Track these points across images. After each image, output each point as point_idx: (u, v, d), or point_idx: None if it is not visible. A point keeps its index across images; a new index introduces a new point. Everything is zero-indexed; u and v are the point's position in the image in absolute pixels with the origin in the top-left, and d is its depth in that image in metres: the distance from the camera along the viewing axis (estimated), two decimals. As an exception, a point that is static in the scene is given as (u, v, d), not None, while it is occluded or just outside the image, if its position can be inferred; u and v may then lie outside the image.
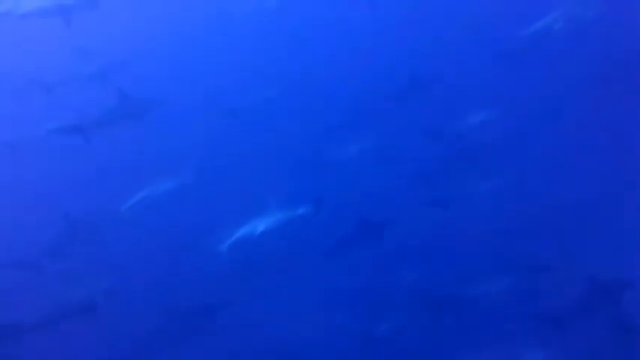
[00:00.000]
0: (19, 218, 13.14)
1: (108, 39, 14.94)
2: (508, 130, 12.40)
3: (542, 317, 9.24)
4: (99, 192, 12.69)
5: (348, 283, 11.49)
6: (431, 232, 11.80)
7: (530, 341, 9.23)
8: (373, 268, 11.81)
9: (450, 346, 9.47)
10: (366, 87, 14.56)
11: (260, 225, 9.29)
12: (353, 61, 15.51)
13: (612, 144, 12.63)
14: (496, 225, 11.59)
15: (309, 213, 9.14)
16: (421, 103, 13.22)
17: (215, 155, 13.11)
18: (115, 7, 14.07)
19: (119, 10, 14.95)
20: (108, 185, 12.69)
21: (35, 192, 13.99)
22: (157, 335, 10.85)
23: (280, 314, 11.11)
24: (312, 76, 14.34)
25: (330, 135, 13.17)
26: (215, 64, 15.76)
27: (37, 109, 13.99)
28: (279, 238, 9.47)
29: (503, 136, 12.34)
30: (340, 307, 11.21)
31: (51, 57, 14.51)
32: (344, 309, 11.13)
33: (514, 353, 9.21)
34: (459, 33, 15.00)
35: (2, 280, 11.62)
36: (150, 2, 17.03)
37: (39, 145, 13.29)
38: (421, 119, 13.16)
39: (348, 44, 16.19)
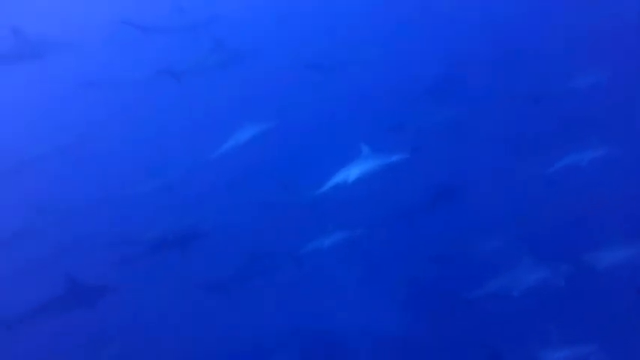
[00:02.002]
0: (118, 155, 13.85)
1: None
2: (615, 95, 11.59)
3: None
4: (190, 136, 13.13)
5: (429, 245, 11.36)
6: (525, 201, 11.35)
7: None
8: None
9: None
10: (459, 50, 14.10)
11: (353, 172, 9.17)
12: (446, 22, 15.01)
13: None
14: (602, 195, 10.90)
15: (404, 161, 8.86)
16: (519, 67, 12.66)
17: (308, 104, 13.17)
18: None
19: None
20: (199, 130, 13.09)
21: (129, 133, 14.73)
22: (241, 277, 11.20)
23: (361, 264, 11.18)
24: (408, 39, 14.05)
25: (426, 95, 12.76)
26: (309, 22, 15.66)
27: (135, 54, 14.64)
28: (372, 185, 9.33)
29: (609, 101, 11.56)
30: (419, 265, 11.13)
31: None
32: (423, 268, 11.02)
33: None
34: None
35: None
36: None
37: (136, 88, 13.93)
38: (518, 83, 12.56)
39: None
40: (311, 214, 11.11)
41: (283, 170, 11.66)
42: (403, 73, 13.81)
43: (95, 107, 14.99)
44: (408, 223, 11.35)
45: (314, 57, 13.71)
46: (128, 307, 11.82)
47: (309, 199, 9.78)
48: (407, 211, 11.29)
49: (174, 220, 11.84)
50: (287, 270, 11.15)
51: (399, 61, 13.93)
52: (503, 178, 11.60)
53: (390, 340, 10.49)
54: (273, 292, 11.67)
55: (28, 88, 15.91)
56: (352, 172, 9.17)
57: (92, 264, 12.13)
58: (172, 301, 11.98)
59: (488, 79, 12.89)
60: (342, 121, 12.50)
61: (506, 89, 12.32)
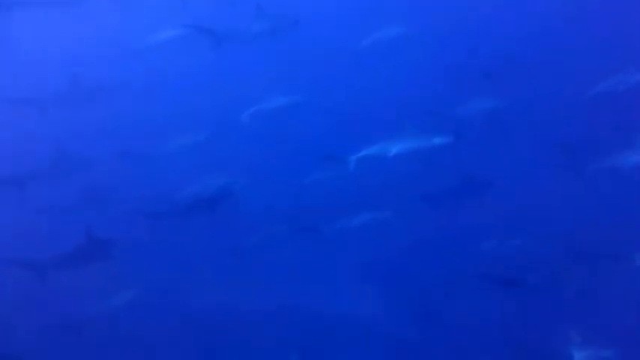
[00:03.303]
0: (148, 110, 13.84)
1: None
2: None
3: None
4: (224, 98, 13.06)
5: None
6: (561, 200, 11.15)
7: None
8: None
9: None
10: (508, 41, 13.78)
11: (394, 147, 9.05)
12: (495, 12, 14.67)
13: None
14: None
15: (445, 144, 8.73)
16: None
17: (351, 79, 13.02)
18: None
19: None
20: (232, 93, 13.02)
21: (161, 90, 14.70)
22: (268, 238, 11.18)
23: (385, 246, 11.10)
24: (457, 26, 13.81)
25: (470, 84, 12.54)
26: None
27: (176, 14, 14.46)
28: (410, 163, 9.22)
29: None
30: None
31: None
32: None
33: None
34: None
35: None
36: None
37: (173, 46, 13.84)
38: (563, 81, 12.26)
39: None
40: (343, 187, 11.02)
41: (322, 139, 11.54)
42: (448, 58, 13.56)
43: (131, 62, 14.89)
44: (436, 208, 11.23)
45: (361, 34, 13.48)
46: (147, 261, 11.88)
47: (344, 169, 9.61)
48: (436, 196, 11.14)
49: (202, 180, 11.86)
50: (308, 242, 11.11)
51: (445, 46, 13.66)
52: (539, 176, 11.39)
53: (408, 325, 10.43)
54: (291, 262, 11.60)
55: (63, 39, 15.87)
56: (393, 147, 9.07)
57: (114, 217, 12.21)
58: (192, 260, 11.92)
59: (533, 74, 12.61)
60: (386, 99, 12.34)
61: (552, 86, 12.06)
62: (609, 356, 8.01)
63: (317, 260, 11.59)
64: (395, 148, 9.04)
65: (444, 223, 11.12)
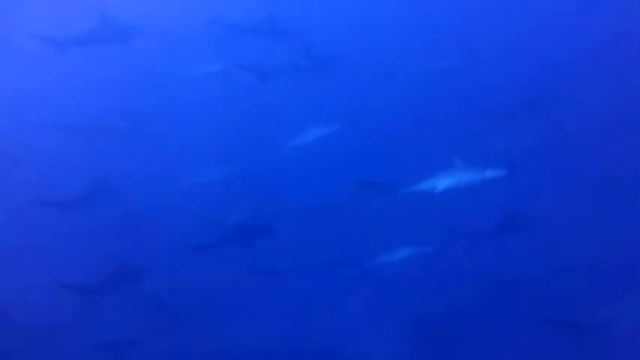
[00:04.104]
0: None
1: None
2: None
3: None
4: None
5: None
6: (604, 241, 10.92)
7: None
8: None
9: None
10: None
11: (442, 182, 8.97)
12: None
13: None
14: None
15: (498, 177, 8.61)
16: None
17: (398, 111, 13.14)
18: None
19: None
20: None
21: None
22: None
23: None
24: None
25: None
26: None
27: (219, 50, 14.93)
28: (460, 199, 9.12)
29: None
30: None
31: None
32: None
33: None
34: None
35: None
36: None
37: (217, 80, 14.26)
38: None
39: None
40: (386, 221, 10.95)
41: (368, 172, 11.53)
42: (492, 91, 13.62)
43: (174, 93, 15.32)
44: (478, 245, 11.08)
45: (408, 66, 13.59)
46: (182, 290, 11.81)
47: (388, 203, 9.59)
48: (481, 232, 10.99)
49: (240, 211, 11.91)
50: (351, 277, 11.01)
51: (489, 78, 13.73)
52: (584, 214, 11.19)
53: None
54: (335, 295, 11.46)
55: (111, 70, 16.41)
56: (442, 182, 8.97)
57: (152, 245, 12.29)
58: (226, 289, 11.86)
59: (582, 105, 12.55)
60: (431, 132, 12.38)
61: (603, 118, 11.99)
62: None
63: (353, 294, 11.43)
64: (444, 184, 8.90)
65: (488, 260, 10.88)
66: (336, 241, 11.69)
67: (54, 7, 15.97)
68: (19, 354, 8.96)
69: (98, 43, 14.85)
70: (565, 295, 10.08)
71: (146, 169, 14.86)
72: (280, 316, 11.46)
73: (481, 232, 11.00)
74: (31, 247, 12.87)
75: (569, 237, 10.91)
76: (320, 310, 11.46)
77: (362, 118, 12.47)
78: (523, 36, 14.94)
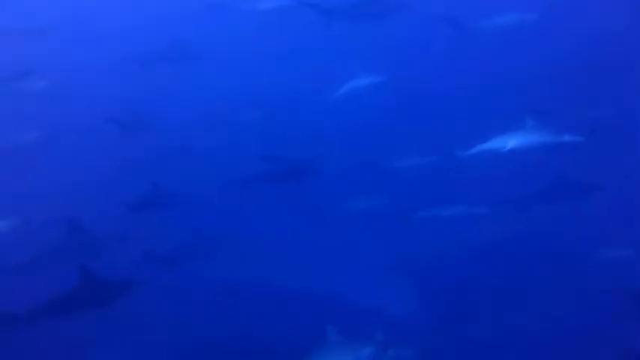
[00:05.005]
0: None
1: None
2: None
3: None
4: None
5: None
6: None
7: None
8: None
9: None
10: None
11: (511, 141, 8.63)
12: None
13: None
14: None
15: (576, 143, 8.22)
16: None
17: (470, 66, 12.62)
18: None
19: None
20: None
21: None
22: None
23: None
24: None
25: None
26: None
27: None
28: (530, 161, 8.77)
29: None
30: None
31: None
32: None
33: None
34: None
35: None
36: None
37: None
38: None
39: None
40: (444, 176, 10.68)
41: (435, 127, 11.23)
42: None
43: (232, 28, 15.05)
44: (531, 210, 10.77)
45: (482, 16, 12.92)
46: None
47: (450, 159, 9.30)
48: (546, 196, 10.63)
49: (291, 150, 11.82)
50: (393, 225, 10.89)
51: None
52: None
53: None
54: (374, 244, 11.41)
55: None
56: (510, 141, 8.64)
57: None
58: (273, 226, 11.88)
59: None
60: (504, 90, 11.84)
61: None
62: None
63: (397, 246, 11.33)
64: (512, 143, 8.57)
65: (550, 226, 10.59)
66: (384, 193, 11.44)
67: None
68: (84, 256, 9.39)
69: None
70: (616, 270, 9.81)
71: (193, 102, 14.86)
72: (315, 256, 11.45)
73: (546, 195, 10.58)
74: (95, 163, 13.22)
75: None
76: (354, 258, 11.41)
77: (424, 69, 11.93)
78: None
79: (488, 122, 8.94)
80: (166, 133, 13.95)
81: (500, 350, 8.97)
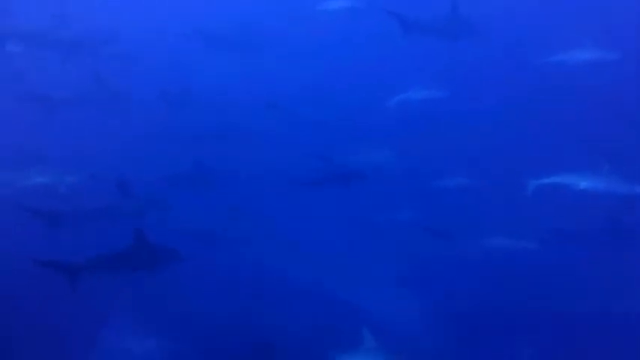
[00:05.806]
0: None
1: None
2: None
3: None
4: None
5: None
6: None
7: None
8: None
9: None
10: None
11: (583, 182, 8.52)
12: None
13: None
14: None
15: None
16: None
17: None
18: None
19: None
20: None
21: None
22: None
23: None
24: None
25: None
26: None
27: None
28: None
29: None
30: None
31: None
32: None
33: None
34: None
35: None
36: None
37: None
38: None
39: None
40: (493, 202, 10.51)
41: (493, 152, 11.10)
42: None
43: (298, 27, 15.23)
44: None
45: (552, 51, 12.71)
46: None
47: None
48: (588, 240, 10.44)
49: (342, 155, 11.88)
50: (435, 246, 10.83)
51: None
52: None
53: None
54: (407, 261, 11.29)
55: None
56: (583, 182, 8.54)
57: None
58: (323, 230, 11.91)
59: None
60: (572, 127, 11.62)
61: None
62: None
63: (439, 271, 11.19)
64: (585, 185, 8.47)
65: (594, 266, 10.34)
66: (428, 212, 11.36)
67: None
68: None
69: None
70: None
71: (246, 87, 15.00)
72: (344, 260, 11.33)
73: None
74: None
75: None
76: (387, 270, 11.26)
77: (484, 93, 11.82)
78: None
79: (555, 157, 8.83)
80: (215, 112, 14.02)
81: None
